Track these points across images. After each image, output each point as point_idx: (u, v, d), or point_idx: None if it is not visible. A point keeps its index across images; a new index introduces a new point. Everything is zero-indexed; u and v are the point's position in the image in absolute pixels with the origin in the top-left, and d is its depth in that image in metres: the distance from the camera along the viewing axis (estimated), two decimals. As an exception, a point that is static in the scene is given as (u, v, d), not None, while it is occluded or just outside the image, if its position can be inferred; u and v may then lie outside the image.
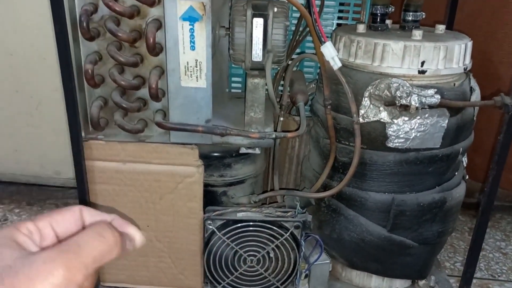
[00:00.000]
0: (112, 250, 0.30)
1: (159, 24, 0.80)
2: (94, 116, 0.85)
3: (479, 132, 1.00)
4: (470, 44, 0.87)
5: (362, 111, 0.85)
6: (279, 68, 1.10)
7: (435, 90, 0.81)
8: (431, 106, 0.81)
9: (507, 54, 1.36)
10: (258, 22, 0.84)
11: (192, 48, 0.80)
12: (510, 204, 1.63)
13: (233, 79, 1.21)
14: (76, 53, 0.82)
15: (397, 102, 0.80)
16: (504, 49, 1.36)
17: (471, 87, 0.91)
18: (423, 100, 0.80)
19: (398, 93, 0.80)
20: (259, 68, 0.89)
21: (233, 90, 1.21)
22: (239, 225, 0.92)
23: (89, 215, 0.34)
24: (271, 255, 0.94)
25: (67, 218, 0.33)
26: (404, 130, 0.83)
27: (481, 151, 1.47)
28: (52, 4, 0.73)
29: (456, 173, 0.96)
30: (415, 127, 0.83)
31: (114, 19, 0.79)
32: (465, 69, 0.88)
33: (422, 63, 0.82)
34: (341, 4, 1.13)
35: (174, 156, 0.89)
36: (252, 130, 0.92)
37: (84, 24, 0.78)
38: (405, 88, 0.80)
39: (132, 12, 0.78)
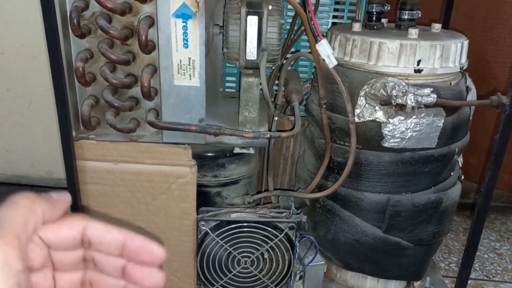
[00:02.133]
0: (32, 210, 0.29)
1: (152, 21, 0.78)
2: (85, 115, 0.84)
3: (474, 132, 1.00)
4: (466, 43, 0.87)
5: (357, 111, 0.84)
6: (273, 67, 1.08)
7: (431, 89, 0.80)
8: (427, 106, 0.80)
9: (502, 54, 1.36)
10: (253, 20, 0.83)
11: (185, 46, 0.78)
12: (504, 205, 1.63)
13: (227, 78, 1.19)
14: (67, 51, 0.80)
15: (393, 101, 0.79)
16: (499, 48, 1.36)
17: (467, 87, 0.90)
18: (419, 99, 0.79)
19: (394, 92, 0.79)
20: (254, 67, 0.88)
21: (227, 90, 1.20)
22: (233, 226, 0.91)
23: (94, 231, 0.31)
24: (265, 256, 0.93)
25: (64, 234, 0.30)
26: (400, 130, 0.83)
27: (475, 151, 1.47)
28: None
29: (452, 173, 0.95)
30: (411, 127, 0.82)
31: (105, 16, 0.78)
32: (461, 68, 0.87)
33: (418, 62, 0.81)
34: (336, 2, 1.12)
35: (166, 156, 0.88)
36: (246, 130, 0.91)
37: (75, 21, 0.76)
38: (401, 87, 0.79)
39: (123, 8, 0.76)
